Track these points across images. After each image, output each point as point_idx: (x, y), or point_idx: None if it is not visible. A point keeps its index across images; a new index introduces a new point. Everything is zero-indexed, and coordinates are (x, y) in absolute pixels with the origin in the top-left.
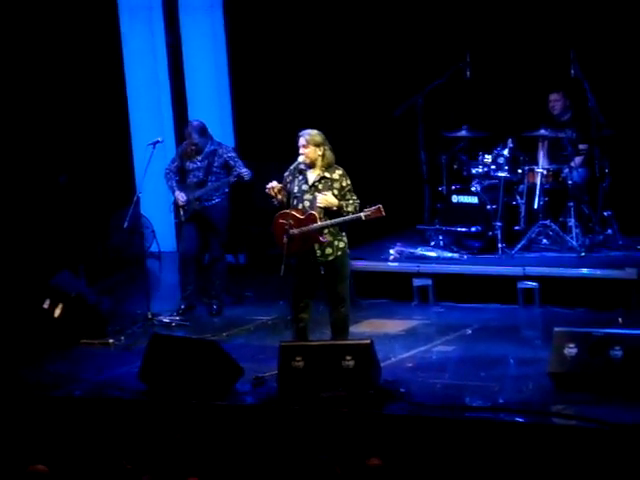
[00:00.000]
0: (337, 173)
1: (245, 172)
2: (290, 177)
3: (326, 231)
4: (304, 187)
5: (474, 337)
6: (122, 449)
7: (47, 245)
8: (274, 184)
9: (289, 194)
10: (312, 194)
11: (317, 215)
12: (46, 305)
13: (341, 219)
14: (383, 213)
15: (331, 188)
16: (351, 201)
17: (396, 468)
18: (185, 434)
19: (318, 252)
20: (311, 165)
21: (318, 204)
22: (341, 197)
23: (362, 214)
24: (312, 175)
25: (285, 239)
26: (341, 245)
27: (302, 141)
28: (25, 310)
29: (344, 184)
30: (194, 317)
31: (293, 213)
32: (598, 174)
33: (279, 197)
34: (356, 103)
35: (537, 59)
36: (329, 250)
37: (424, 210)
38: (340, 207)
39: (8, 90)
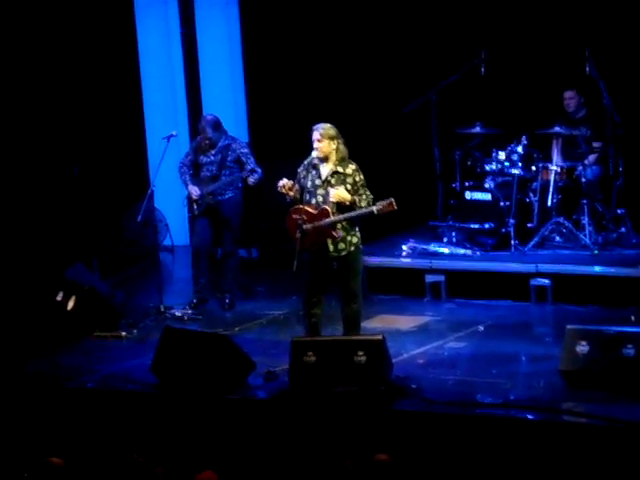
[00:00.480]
0: (350, 168)
1: (255, 172)
2: (304, 172)
3: (339, 226)
4: (317, 182)
5: (486, 334)
6: (134, 442)
7: (60, 237)
8: (285, 182)
9: (302, 189)
10: (325, 189)
11: (330, 210)
12: (59, 297)
13: (354, 213)
14: (395, 207)
15: (344, 183)
16: (364, 196)
17: (406, 464)
18: (197, 427)
19: (331, 247)
20: (325, 159)
21: (331, 199)
22: (354, 192)
23: (374, 208)
24: (325, 170)
25: (298, 234)
26: (354, 240)
27: (316, 135)
28: (38, 302)
29: (357, 179)
30: (206, 311)
31: (306, 208)
32: (612, 172)
33: (291, 194)
34: (370, 99)
35: (552, 57)
36: (342, 245)
37: (437, 206)
38: (353, 202)
39: (24, 82)
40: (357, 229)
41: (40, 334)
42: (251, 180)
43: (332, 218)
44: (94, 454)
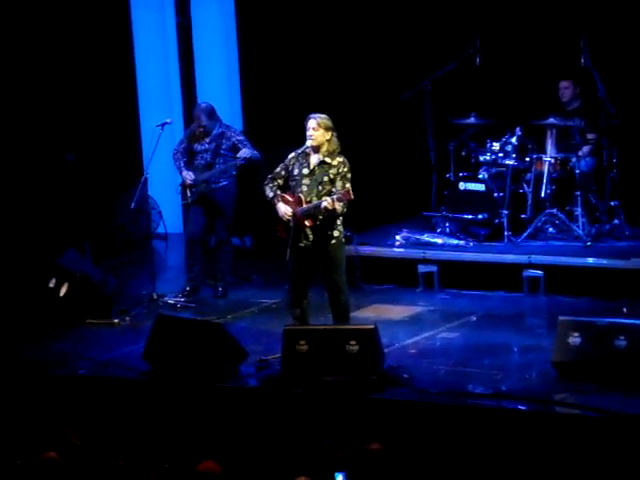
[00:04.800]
0: (337, 160)
1: (251, 154)
2: (294, 160)
3: (321, 217)
4: (304, 171)
5: (478, 324)
6: (126, 430)
7: (53, 224)
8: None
9: (288, 176)
10: (310, 179)
11: (303, 198)
12: (52, 284)
13: (316, 203)
14: (351, 196)
15: (327, 173)
16: (339, 188)
17: (397, 453)
18: (188, 416)
19: (310, 237)
20: (316, 149)
21: (324, 204)
22: (332, 181)
23: (328, 198)
24: (314, 159)
25: (291, 223)
26: (335, 234)
27: (313, 123)
28: (31, 289)
29: (341, 170)
30: (199, 299)
31: (285, 196)
32: (606, 164)
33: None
34: (365, 88)
35: (547, 47)
36: (321, 237)
37: (431, 197)
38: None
39: (17, 68)
40: (339, 223)
41: (32, 321)
42: (251, 157)
43: (304, 207)
44: (88, 443)
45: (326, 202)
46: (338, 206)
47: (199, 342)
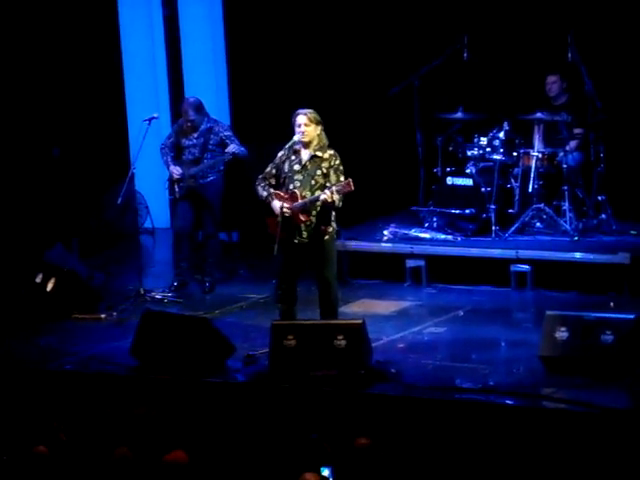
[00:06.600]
0: (328, 153)
1: (238, 150)
2: (284, 157)
3: (314, 213)
4: (296, 167)
5: (466, 319)
6: (112, 423)
7: (40, 219)
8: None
9: (279, 173)
10: (303, 175)
11: (299, 194)
12: (39, 279)
13: (314, 197)
14: (352, 187)
15: (320, 167)
16: (333, 180)
17: (385, 448)
18: (175, 410)
19: (304, 233)
20: (307, 144)
21: (322, 197)
22: (327, 175)
23: (327, 190)
24: (305, 155)
25: (279, 218)
26: (329, 229)
27: (304, 119)
28: (17, 284)
29: (333, 163)
30: (187, 294)
31: (278, 192)
32: (593, 158)
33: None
34: (353, 83)
35: (535, 42)
36: (317, 233)
37: (419, 191)
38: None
39: (2, 62)
40: (333, 217)
41: (19, 316)
42: (239, 154)
43: (300, 202)
44: (73, 436)
45: (325, 195)
46: (337, 198)
47: (186, 337)
